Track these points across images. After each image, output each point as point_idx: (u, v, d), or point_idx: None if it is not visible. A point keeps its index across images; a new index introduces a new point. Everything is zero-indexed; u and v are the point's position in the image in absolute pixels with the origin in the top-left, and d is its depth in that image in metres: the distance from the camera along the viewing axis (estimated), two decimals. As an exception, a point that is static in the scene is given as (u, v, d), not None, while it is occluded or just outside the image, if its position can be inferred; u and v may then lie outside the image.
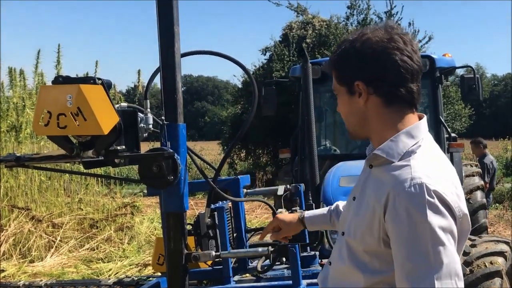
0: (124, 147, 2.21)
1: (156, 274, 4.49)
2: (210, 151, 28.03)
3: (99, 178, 8.79)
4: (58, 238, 7.39)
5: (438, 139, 5.87)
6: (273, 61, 20.65)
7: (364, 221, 1.75)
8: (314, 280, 2.67)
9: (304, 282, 2.51)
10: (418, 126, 1.79)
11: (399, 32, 1.76)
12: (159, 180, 2.18)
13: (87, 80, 2.12)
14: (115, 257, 7.15)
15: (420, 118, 1.83)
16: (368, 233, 1.73)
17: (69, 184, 8.80)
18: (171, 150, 2.18)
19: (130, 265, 6.83)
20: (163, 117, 2.28)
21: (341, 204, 2.39)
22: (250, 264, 2.88)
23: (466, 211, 1.68)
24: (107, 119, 2.08)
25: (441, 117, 5.84)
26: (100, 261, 7.06)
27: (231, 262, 2.64)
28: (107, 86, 2.18)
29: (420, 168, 1.67)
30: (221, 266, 2.67)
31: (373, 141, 1.86)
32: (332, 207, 2.40)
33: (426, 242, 1.57)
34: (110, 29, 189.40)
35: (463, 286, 1.61)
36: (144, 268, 6.67)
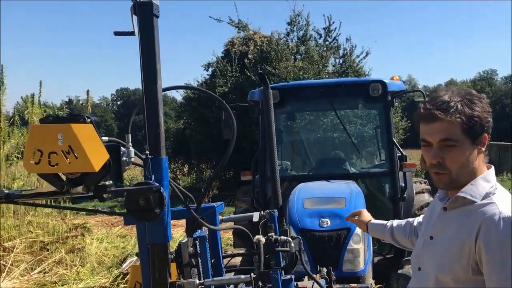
0: (111, 181, 2.26)
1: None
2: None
3: (50, 200, 8.64)
4: (9, 262, 7.21)
5: (391, 158, 6.13)
6: (216, 76, 20.78)
7: (453, 253, 2.02)
8: (294, 304, 2.81)
9: (284, 306, 2.62)
10: (490, 173, 2.12)
11: None
12: (146, 213, 2.24)
13: (77, 119, 2.16)
14: (69, 280, 7.05)
15: (488, 168, 2.15)
16: (458, 263, 2.00)
17: (18, 206, 8.59)
18: (157, 184, 2.24)
19: (87, 288, 6.76)
20: (147, 152, 2.34)
21: (396, 221, 2.90)
22: (227, 288, 2.96)
23: None
24: (97, 157, 2.12)
25: (393, 138, 6.13)
26: (55, 284, 6.94)
27: (212, 289, 2.71)
28: (95, 124, 2.23)
29: (504, 204, 1.96)
30: (199, 293, 2.74)
31: (460, 188, 2.10)
32: (389, 224, 2.90)
33: None
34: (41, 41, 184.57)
35: None
36: (100, 291, 6.61)
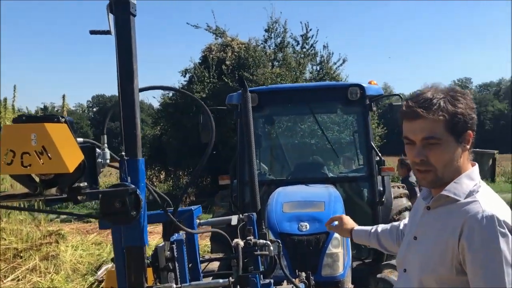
0: (86, 183, 2.20)
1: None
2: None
3: (24, 204, 8.51)
4: (-19, 270, 7.07)
5: (369, 162, 6.14)
6: (193, 82, 20.73)
7: (436, 253, 1.99)
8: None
9: (263, 310, 2.58)
10: (474, 171, 2.09)
11: None
12: (122, 216, 2.18)
13: (51, 118, 2.11)
14: (44, 287, 6.92)
15: (472, 165, 2.12)
16: (441, 263, 1.97)
17: (-10, 214, 8.47)
18: (133, 186, 2.19)
19: (61, 296, 6.65)
20: (123, 153, 2.28)
21: (380, 226, 2.84)
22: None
23: None
24: (72, 157, 2.07)
25: (371, 142, 6.14)
26: (28, 292, 6.82)
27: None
28: (70, 124, 2.17)
29: (488, 203, 1.93)
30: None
31: (444, 186, 2.07)
32: (373, 230, 2.84)
33: (500, 267, 1.82)
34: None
35: None
36: (75, 299, 6.50)
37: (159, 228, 2.91)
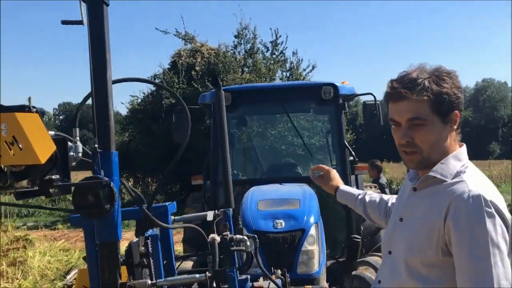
0: (58, 176, 2.15)
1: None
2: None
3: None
4: None
5: (343, 162, 6.17)
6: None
7: (422, 235, 1.96)
8: (249, 304, 2.73)
9: (241, 306, 2.54)
10: (462, 151, 2.07)
11: None
12: (95, 210, 2.12)
13: (22, 108, 2.05)
14: (11, 293, 6.79)
15: (460, 146, 2.11)
16: (427, 245, 1.94)
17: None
18: (107, 179, 2.14)
19: (30, 302, 6.52)
20: (96, 145, 2.23)
21: (368, 194, 2.77)
22: (180, 291, 2.86)
23: None
24: (43, 148, 2.02)
25: (345, 141, 6.17)
26: (-5, 298, 6.68)
27: (165, 290, 2.61)
28: (41, 114, 2.12)
29: (474, 183, 1.91)
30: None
31: (431, 167, 2.05)
32: (361, 194, 2.77)
33: (486, 247, 1.79)
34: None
35: None
36: (44, 304, 6.38)
37: (128, 234, 2.84)
